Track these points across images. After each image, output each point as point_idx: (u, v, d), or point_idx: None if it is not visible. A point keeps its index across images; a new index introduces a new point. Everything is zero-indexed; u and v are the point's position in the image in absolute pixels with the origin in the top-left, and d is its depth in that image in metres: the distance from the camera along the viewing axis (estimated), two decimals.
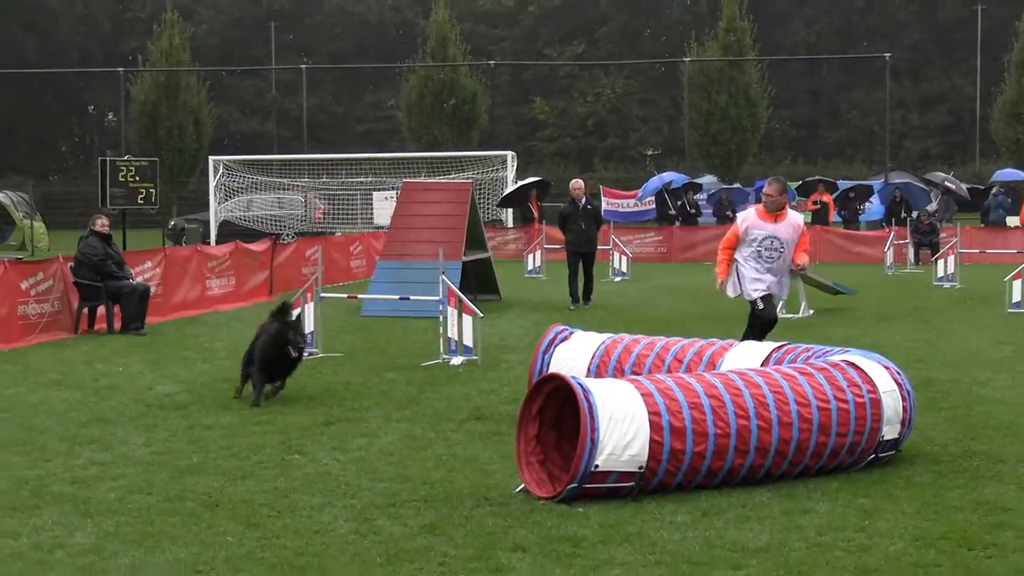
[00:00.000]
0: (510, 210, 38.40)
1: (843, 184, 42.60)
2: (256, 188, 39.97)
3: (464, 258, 20.26)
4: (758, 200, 46.46)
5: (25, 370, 14.45)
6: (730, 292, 12.47)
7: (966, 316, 20.39)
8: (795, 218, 12.50)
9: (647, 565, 6.52)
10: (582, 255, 20.98)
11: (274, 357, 10.86)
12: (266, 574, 6.35)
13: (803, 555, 6.68)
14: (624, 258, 29.34)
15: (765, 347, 10.10)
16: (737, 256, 12.16)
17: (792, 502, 7.84)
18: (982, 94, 59.80)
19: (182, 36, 52.72)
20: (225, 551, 6.74)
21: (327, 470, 9.00)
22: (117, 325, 17.62)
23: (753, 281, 12.04)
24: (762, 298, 12.04)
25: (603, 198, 44.75)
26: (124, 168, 30.30)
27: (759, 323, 12.17)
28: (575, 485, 7.62)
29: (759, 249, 11.89)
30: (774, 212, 12.00)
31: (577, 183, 22.43)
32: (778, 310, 12.31)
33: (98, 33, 73.80)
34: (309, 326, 14.67)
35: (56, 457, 9.54)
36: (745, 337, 11.62)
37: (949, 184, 42.62)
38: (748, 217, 12.48)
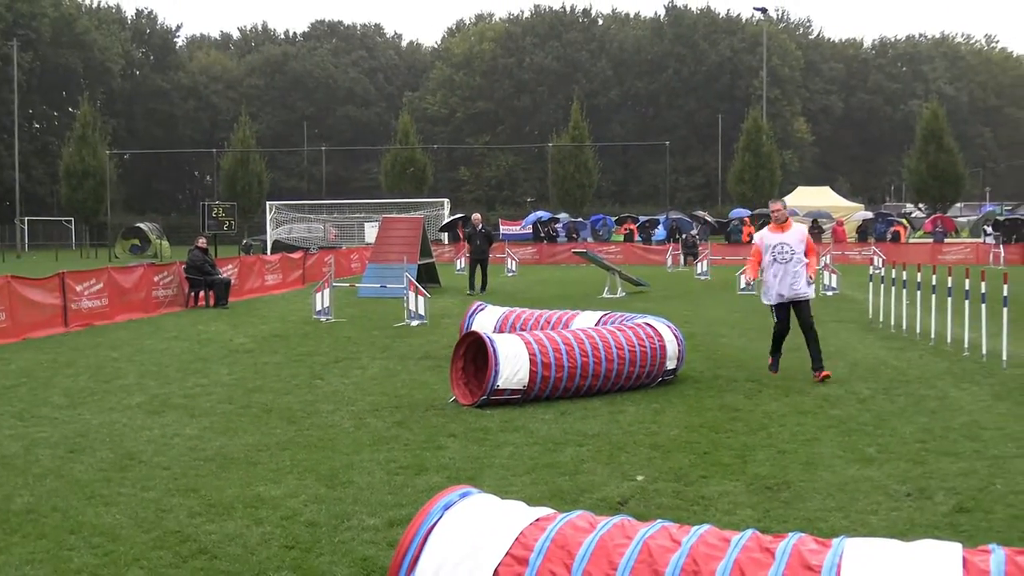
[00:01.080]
0: (446, 233, 51.53)
1: (642, 218, 64.35)
2: (294, 220, 56.04)
3: (418, 262, 26.78)
4: (595, 227, 57.89)
5: (156, 329, 18.92)
6: (763, 299, 12.89)
7: (713, 297, 26.25)
8: (799, 228, 13.01)
9: (527, 444, 8.81)
10: (478, 261, 27.43)
11: None
12: (301, 451, 8.61)
13: (620, 437, 9.08)
14: (514, 262, 38.72)
15: (596, 315, 13.01)
16: (763, 265, 12.57)
17: (613, 406, 10.50)
18: (723, 166, 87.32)
19: (251, 130, 75.57)
20: (276, 438, 9.16)
21: (337, 389, 11.86)
22: (211, 303, 23.61)
23: (768, 290, 12.50)
24: (775, 307, 12.47)
25: (501, 226, 61.47)
26: (215, 209, 43.36)
27: (774, 332, 12.66)
28: (485, 397, 10.38)
29: (773, 255, 12.32)
30: (781, 223, 12.53)
31: (475, 216, 29.82)
32: (805, 298, 12.36)
33: (203, 127, 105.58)
34: (326, 303, 19.95)
35: (174, 381, 12.49)
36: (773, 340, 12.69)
37: (707, 218, 64.77)
38: (762, 233, 12.94)
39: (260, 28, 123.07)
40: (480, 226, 28.32)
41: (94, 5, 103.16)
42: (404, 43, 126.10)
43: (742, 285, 27.01)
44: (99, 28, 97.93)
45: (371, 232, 46.31)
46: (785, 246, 12.34)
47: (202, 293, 23.84)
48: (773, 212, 12.82)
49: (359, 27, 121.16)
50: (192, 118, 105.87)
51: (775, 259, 12.38)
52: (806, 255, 12.47)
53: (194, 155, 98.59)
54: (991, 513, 6.66)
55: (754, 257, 12.87)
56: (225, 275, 24.87)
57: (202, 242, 25.01)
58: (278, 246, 48.17)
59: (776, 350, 12.77)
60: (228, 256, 32.47)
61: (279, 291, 29.52)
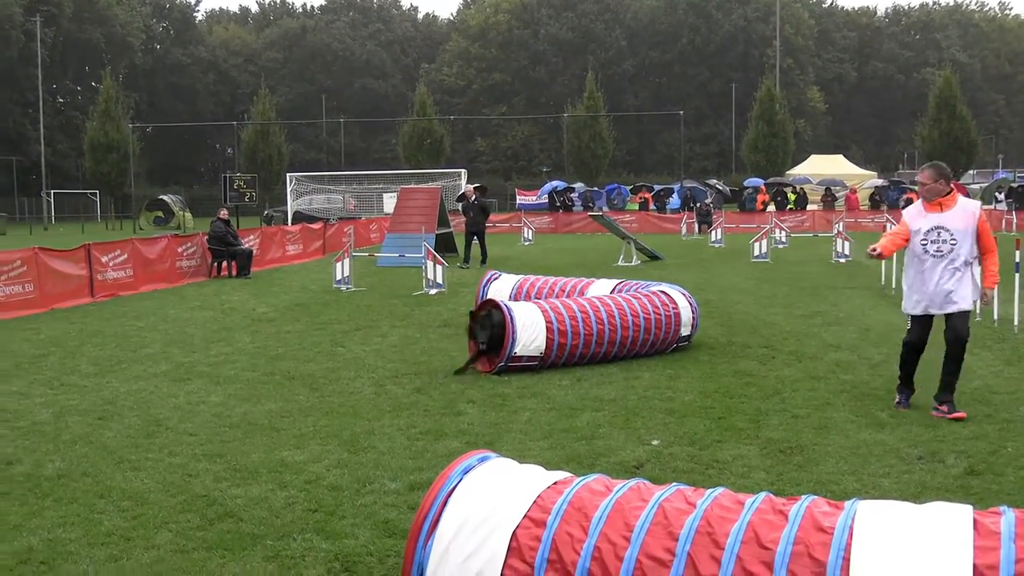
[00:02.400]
0: (461, 203, 47.19)
1: (656, 187, 61.93)
2: (314, 192, 55.35)
3: (436, 232, 26.54)
4: (610, 197, 57.20)
5: (180, 299, 19.02)
6: (903, 305, 9.02)
7: (727, 264, 26.06)
8: (968, 205, 8.68)
9: (545, 410, 8.83)
10: (473, 233, 26.54)
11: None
12: (323, 417, 8.68)
13: (635, 402, 9.09)
14: (530, 231, 39.35)
15: (612, 283, 12.98)
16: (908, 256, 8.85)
17: (628, 372, 10.54)
18: (736, 135, 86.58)
19: (270, 103, 74.47)
20: (298, 405, 9.26)
21: (357, 356, 11.94)
22: (234, 273, 23.73)
23: (909, 292, 8.81)
24: (915, 318, 8.83)
25: (518, 195, 63.44)
26: (236, 181, 43.14)
27: (904, 346, 8.92)
28: (503, 364, 10.43)
29: (924, 243, 8.52)
30: (935, 200, 8.53)
31: (468, 188, 29.16)
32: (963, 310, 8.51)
33: (223, 101, 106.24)
34: (346, 272, 19.92)
35: (198, 350, 12.59)
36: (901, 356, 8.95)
37: (719, 186, 63.42)
38: (909, 211, 8.97)
39: (278, 2, 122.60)
40: (474, 198, 27.74)
41: None
42: (420, 15, 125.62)
43: (756, 253, 27.00)
44: (120, 3, 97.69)
45: (389, 202, 46.05)
46: (942, 232, 8.49)
47: (225, 263, 23.96)
48: (920, 185, 8.89)
49: (375, 0, 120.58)
50: (212, 91, 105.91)
51: (925, 250, 8.56)
52: (980, 248, 8.65)
53: (215, 128, 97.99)
54: (1001, 476, 6.68)
55: (893, 237, 8.97)
56: (247, 246, 24.92)
57: (224, 213, 25.09)
58: (298, 217, 48.21)
59: (907, 378, 8.98)
60: (250, 227, 32.64)
61: (300, 261, 29.63)
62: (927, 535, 3.62)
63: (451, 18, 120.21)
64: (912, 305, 8.76)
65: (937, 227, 8.50)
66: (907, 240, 8.74)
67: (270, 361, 11.70)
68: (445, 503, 4.17)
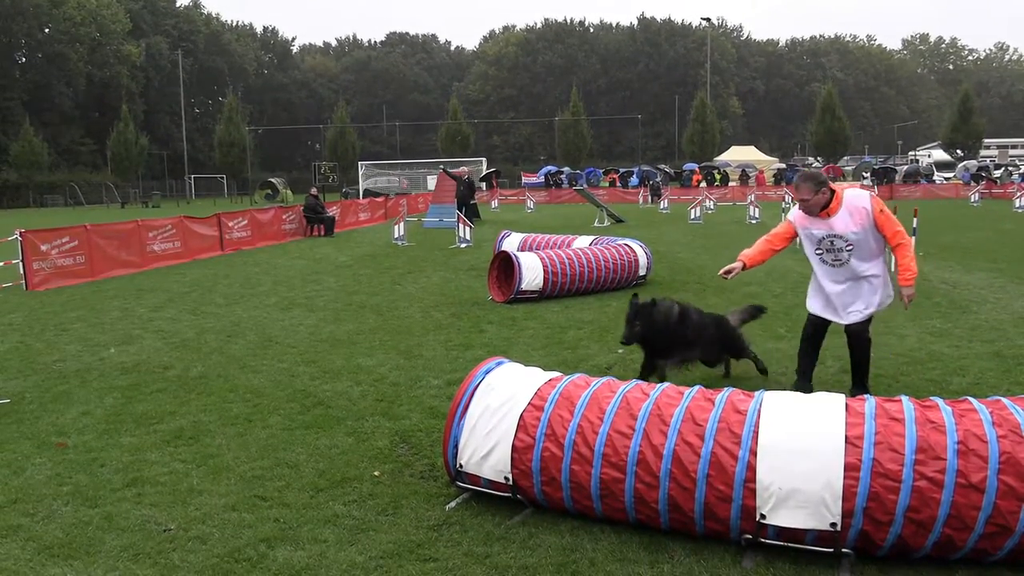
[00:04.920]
0: (484, 183, 49.53)
1: (621, 170, 61.17)
2: (378, 175, 53.74)
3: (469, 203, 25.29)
4: (588, 177, 54.66)
5: (284, 253, 18.72)
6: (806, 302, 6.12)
7: (672, 225, 25.59)
8: (856, 200, 5.58)
9: (543, 328, 8.82)
10: (465, 206, 24.33)
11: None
12: (386, 335, 8.68)
13: (607, 323, 9.06)
14: (532, 202, 38.50)
15: (589, 239, 12.76)
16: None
17: (602, 301, 10.46)
18: (678, 132, 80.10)
19: (346, 111, 74.19)
20: (369, 325, 9.29)
21: (410, 292, 11.88)
22: (322, 233, 23.29)
23: (811, 291, 6.04)
24: (811, 314, 6.00)
25: (523, 177, 61.44)
26: (323, 167, 44.80)
27: (802, 337, 6.15)
28: (512, 296, 10.43)
29: (820, 254, 5.71)
30: (816, 213, 5.59)
31: (462, 169, 27.78)
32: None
33: (312, 110, 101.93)
34: (401, 232, 19.68)
35: (296, 288, 12.53)
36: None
37: (666, 169, 62.47)
38: (796, 213, 5.82)
39: (351, 38, 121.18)
40: (466, 176, 26.24)
41: (234, 23, 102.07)
42: (452, 47, 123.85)
43: (692, 216, 26.78)
44: (238, 40, 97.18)
45: (432, 182, 45.78)
46: (836, 240, 5.62)
47: (315, 227, 23.81)
48: (800, 202, 5.67)
49: (420, 36, 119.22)
50: (304, 104, 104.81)
51: (823, 260, 5.75)
52: (888, 242, 5.64)
53: (307, 130, 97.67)
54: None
55: (767, 241, 5.95)
56: (331, 214, 24.74)
57: (314, 191, 25.06)
58: (367, 193, 47.91)
59: (802, 373, 6.16)
60: (332, 200, 32.26)
61: (368, 224, 29.42)
62: (813, 415, 3.63)
63: (475, 49, 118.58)
64: (812, 304, 6.05)
65: (829, 236, 5.64)
66: (786, 242, 5.94)
67: (348, 295, 11.69)
68: (473, 394, 4.19)
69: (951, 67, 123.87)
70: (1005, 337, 7.43)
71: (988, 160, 59.49)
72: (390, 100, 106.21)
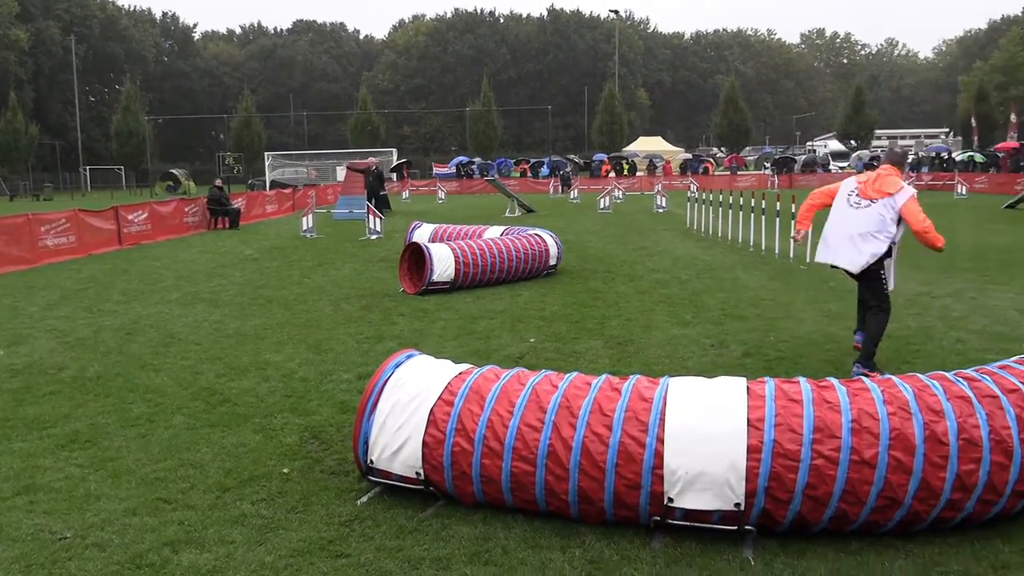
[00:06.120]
0: (395, 174, 48.45)
1: (532, 160, 60.45)
2: (285, 166, 52.50)
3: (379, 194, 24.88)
4: (499, 167, 53.02)
5: (187, 246, 18.00)
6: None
7: (582, 214, 25.80)
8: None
9: (454, 319, 8.72)
10: (375, 197, 24.01)
11: None
12: (295, 329, 8.38)
13: (518, 312, 9.05)
14: (444, 192, 37.67)
15: (500, 228, 12.67)
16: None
17: (513, 291, 10.48)
18: (588, 123, 79.03)
19: (251, 101, 71.01)
20: (276, 320, 9.04)
21: (319, 284, 11.59)
22: (227, 226, 22.49)
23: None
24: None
25: (434, 168, 59.56)
26: (227, 158, 42.36)
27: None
28: (424, 288, 10.31)
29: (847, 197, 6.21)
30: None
31: (370, 160, 27.41)
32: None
33: (216, 98, 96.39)
34: (310, 224, 19.15)
35: (200, 282, 12.08)
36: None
37: (575, 159, 61.81)
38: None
39: (256, 25, 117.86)
40: (374, 167, 25.89)
41: (131, 8, 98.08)
42: (361, 36, 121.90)
43: (601, 206, 27.08)
44: (136, 26, 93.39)
45: (341, 173, 44.97)
46: (861, 199, 6.17)
47: (220, 219, 23.04)
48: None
49: (329, 24, 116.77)
50: (208, 92, 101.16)
51: (847, 202, 6.22)
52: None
53: (210, 119, 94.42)
54: (767, 357, 6.88)
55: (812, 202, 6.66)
56: (236, 205, 24.02)
57: (218, 182, 24.36)
58: (274, 184, 46.70)
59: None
60: (238, 192, 31.52)
61: (276, 216, 28.64)
62: (717, 399, 3.72)
63: (384, 38, 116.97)
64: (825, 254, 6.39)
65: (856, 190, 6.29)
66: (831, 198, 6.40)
67: (255, 289, 11.38)
68: (383, 388, 4.14)
69: (845, 61, 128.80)
70: (896, 318, 7.77)
71: (879, 151, 62.16)
72: (297, 89, 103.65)
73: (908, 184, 6.23)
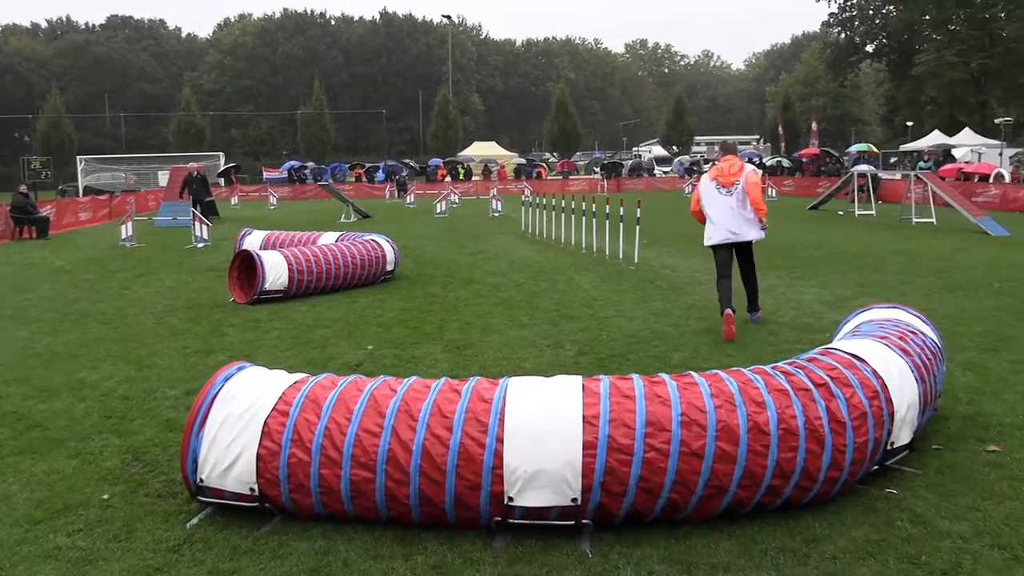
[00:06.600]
0: (222, 178, 46.32)
1: (367, 164, 57.65)
2: (101, 170, 49.06)
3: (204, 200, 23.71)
4: (333, 172, 52.43)
5: None
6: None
7: (418, 219, 25.32)
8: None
9: (289, 329, 8.43)
10: (197, 201, 22.60)
11: None
12: (114, 345, 7.87)
13: (355, 319, 8.88)
14: (275, 197, 37.26)
15: (335, 234, 12.37)
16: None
17: (350, 298, 10.21)
18: (423, 128, 78.11)
19: (60, 100, 66.17)
20: (93, 336, 8.40)
21: (141, 296, 10.80)
22: (34, 236, 20.83)
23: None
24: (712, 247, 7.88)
25: (264, 172, 57.25)
26: (33, 162, 38.17)
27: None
28: (255, 297, 9.98)
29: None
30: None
31: (192, 165, 25.60)
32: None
33: (18, 97, 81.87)
34: (130, 232, 17.83)
35: (3, 297, 11.03)
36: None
37: (411, 164, 58.04)
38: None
39: (65, 20, 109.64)
40: (196, 172, 24.31)
41: None
42: (184, 34, 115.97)
43: (438, 211, 27.10)
44: None
45: (164, 178, 42.26)
46: (723, 187, 7.75)
47: (26, 229, 21.09)
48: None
49: (147, 21, 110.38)
50: (10, 90, 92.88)
51: (718, 192, 7.79)
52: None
53: (13, 120, 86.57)
54: (600, 355, 7.10)
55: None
56: (44, 213, 22.15)
57: (23, 188, 22.31)
58: (89, 190, 43.46)
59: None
60: (47, 199, 28.95)
61: (91, 225, 26.71)
62: (553, 397, 3.79)
63: (208, 37, 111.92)
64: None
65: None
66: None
67: (68, 303, 10.54)
68: (212, 402, 3.94)
69: (667, 71, 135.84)
70: (716, 315, 8.26)
71: (699, 156, 65.83)
72: (113, 89, 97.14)
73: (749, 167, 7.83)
